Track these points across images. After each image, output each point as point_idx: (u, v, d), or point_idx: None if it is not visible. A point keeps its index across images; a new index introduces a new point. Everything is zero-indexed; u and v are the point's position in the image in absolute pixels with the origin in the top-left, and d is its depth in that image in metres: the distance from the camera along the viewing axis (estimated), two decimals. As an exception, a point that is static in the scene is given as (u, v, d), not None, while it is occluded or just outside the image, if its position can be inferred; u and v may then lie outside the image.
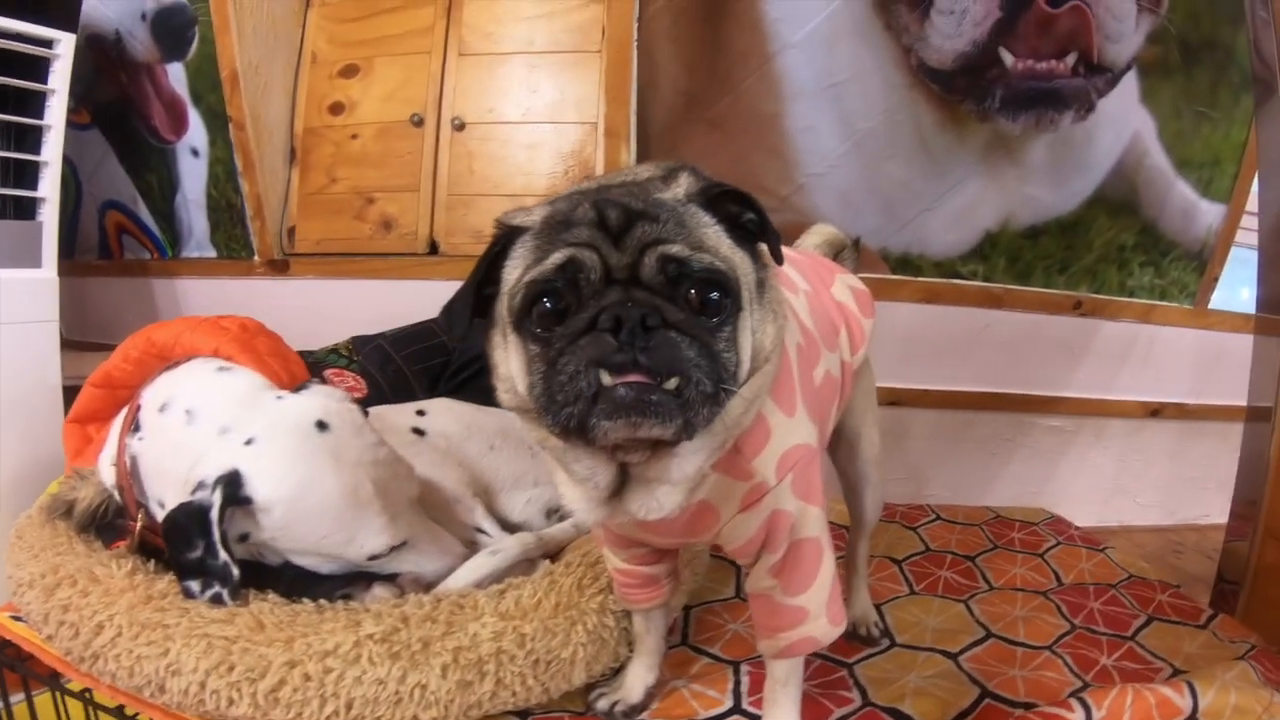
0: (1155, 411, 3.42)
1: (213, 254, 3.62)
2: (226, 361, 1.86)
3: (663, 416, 1.00)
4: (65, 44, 3.04)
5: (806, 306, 1.56)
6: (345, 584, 1.75)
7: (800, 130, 3.00)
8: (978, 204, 3.10)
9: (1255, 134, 2.94)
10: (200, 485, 1.54)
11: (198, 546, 1.53)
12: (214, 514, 1.51)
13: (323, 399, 1.71)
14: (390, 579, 1.77)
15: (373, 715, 1.43)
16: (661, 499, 1.19)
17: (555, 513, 2.07)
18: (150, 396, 1.78)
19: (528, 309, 1.05)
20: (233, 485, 1.55)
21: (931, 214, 3.08)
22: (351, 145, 3.38)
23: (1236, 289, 3.39)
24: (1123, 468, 3.49)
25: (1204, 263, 3.32)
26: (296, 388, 1.77)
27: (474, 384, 2.25)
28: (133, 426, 1.77)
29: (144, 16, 3.44)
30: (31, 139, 2.98)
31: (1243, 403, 2.29)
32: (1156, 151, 3.17)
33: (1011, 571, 2.44)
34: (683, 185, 1.19)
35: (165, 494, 1.67)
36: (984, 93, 2.98)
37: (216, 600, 1.55)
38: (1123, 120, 3.11)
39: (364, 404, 2.05)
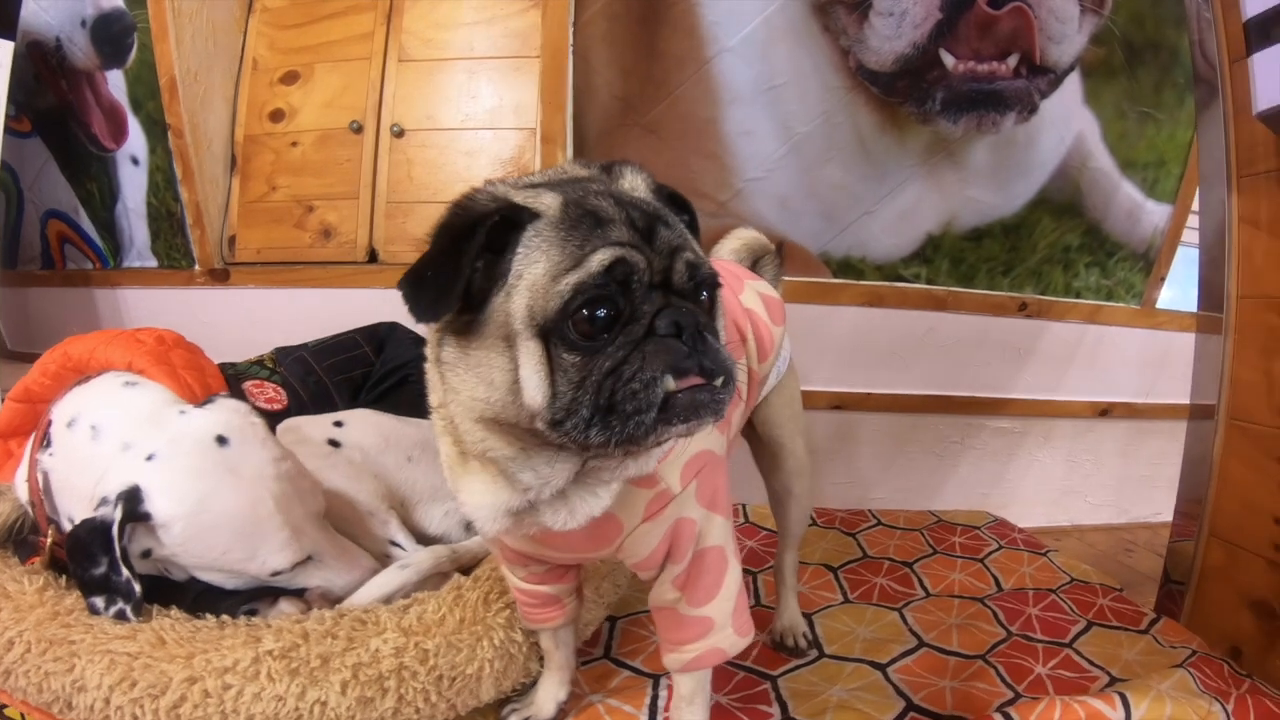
0: (1104, 411, 3.41)
1: (154, 263, 3.55)
2: (135, 376, 1.83)
3: (716, 414, 1.02)
4: (4, 51, 3.00)
5: None
6: (251, 599, 1.72)
7: (738, 134, 2.97)
8: (919, 207, 3.08)
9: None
10: (103, 501, 1.53)
11: (101, 563, 1.51)
12: (115, 530, 1.49)
13: (224, 413, 1.68)
14: (299, 594, 1.74)
15: (273, 731, 1.41)
16: (593, 503, 1.17)
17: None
18: (59, 412, 1.77)
19: (569, 315, 1.00)
20: (133, 501, 1.53)
21: (872, 217, 3.06)
22: (292, 153, 3.33)
23: (1185, 289, 3.36)
24: (1073, 468, 3.47)
25: (1151, 263, 3.31)
26: (202, 402, 1.74)
27: (396, 394, 2.22)
28: (44, 442, 1.75)
29: (84, 23, 3.39)
30: None
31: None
32: (1101, 153, 3.16)
33: (950, 577, 2.42)
34: (641, 183, 1.18)
35: (74, 510, 1.65)
36: (924, 95, 2.96)
37: (120, 617, 1.54)
38: (1066, 122, 3.10)
39: (284, 416, 2.04)
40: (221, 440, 1.62)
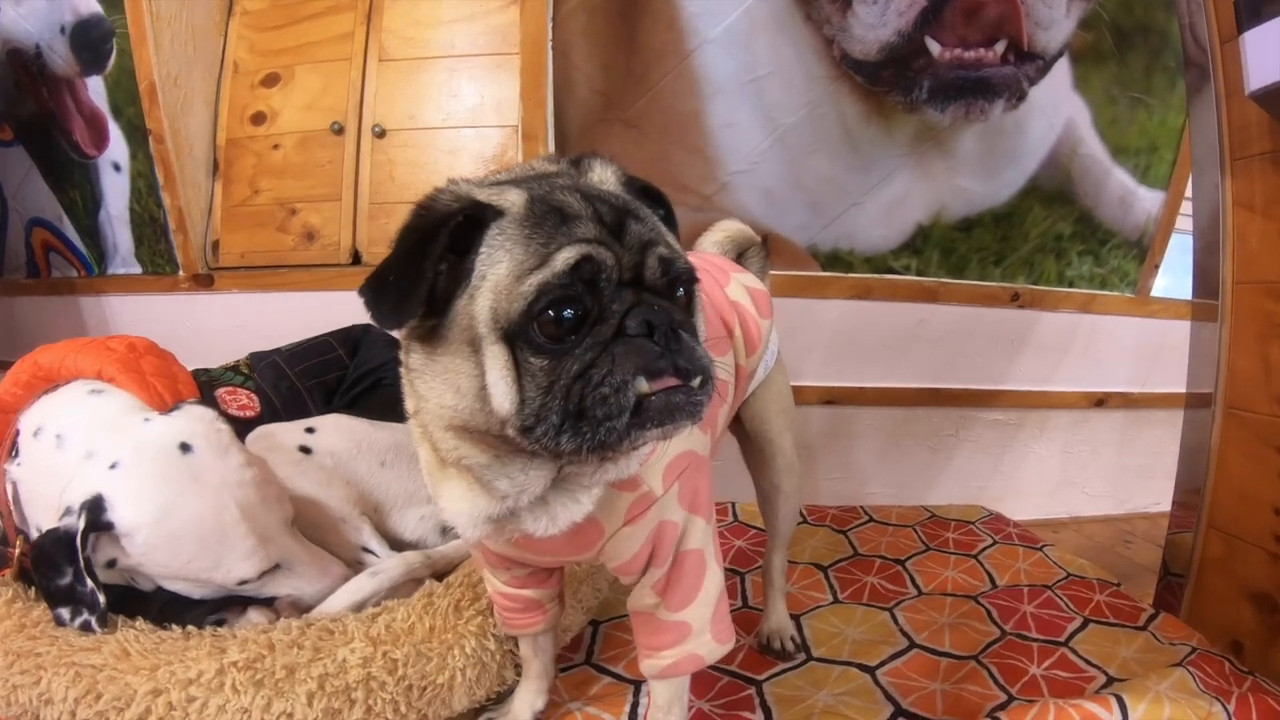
0: (1100, 401, 3.36)
1: (138, 270, 3.52)
2: (103, 384, 1.79)
3: (694, 416, 0.98)
4: None
5: None
6: (219, 609, 1.68)
7: (721, 127, 2.91)
8: (908, 197, 3.02)
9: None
10: (67, 511, 1.49)
11: (66, 573, 1.49)
12: (79, 540, 1.46)
13: (189, 421, 1.64)
14: (268, 603, 1.70)
15: (238, 743, 1.38)
16: (574, 509, 1.13)
17: (451, 530, 1.97)
18: (26, 422, 1.76)
19: (533, 317, 0.95)
20: (95, 510, 1.50)
21: (860, 209, 3.00)
22: (273, 156, 3.29)
23: (1180, 276, 3.29)
24: (1069, 459, 3.42)
25: (1144, 250, 3.25)
26: (168, 410, 1.69)
27: (369, 398, 2.17)
28: (11, 452, 1.73)
29: (63, 29, 3.34)
30: None
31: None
32: (1091, 139, 3.10)
33: (943, 575, 2.36)
34: (611, 175, 1.14)
35: (42, 520, 1.62)
36: (911, 83, 2.90)
37: (86, 628, 1.51)
38: (1055, 108, 3.04)
39: (257, 423, 2.00)
40: (185, 448, 1.58)
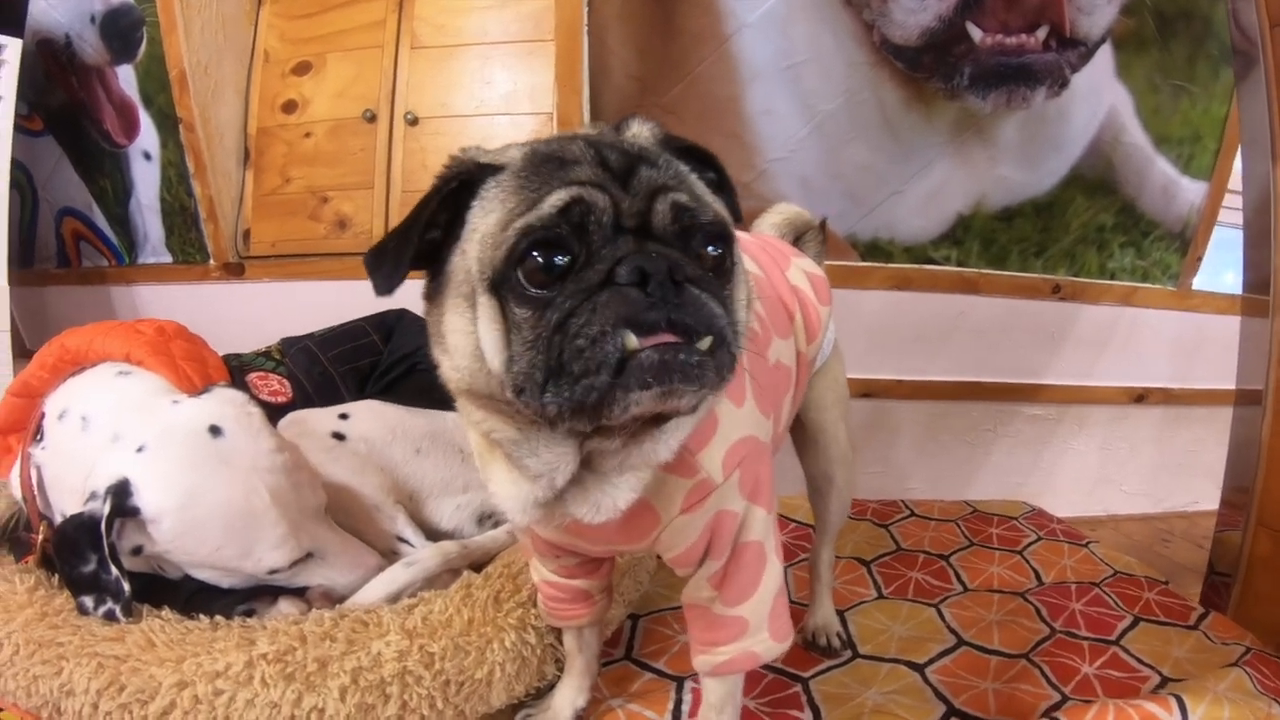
0: (1140, 397, 3.25)
1: (169, 259, 3.47)
2: (130, 366, 1.73)
3: (698, 381, 0.86)
4: (11, 49, 2.97)
5: (754, 289, 1.40)
6: (248, 599, 1.62)
7: (759, 114, 2.82)
8: (948, 186, 2.91)
9: (1237, 108, 2.80)
10: (92, 496, 1.43)
11: (90, 560, 1.42)
12: (103, 526, 1.40)
13: (219, 403, 1.56)
14: (299, 593, 1.62)
15: (266, 740, 1.31)
16: (615, 495, 1.04)
17: (488, 519, 1.90)
18: (51, 404, 1.71)
19: (516, 262, 0.88)
20: (121, 495, 1.43)
21: (900, 198, 2.90)
22: (305, 144, 3.23)
23: (1220, 271, 3.23)
24: (1107, 456, 3.31)
25: (1186, 242, 3.14)
26: (198, 392, 1.62)
27: (404, 384, 2.09)
28: (36, 436, 1.68)
29: (93, 19, 3.30)
30: None
31: (1229, 385, 2.16)
32: (1134, 128, 2.99)
33: (988, 571, 2.28)
34: (647, 132, 1.05)
35: (66, 505, 1.56)
36: (951, 70, 2.79)
37: (109, 617, 1.45)
38: (1097, 96, 2.92)
39: (289, 408, 1.94)
40: (215, 431, 1.51)
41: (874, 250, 2.93)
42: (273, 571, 1.53)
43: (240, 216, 3.34)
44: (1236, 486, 2.14)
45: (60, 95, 3.49)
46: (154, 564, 1.55)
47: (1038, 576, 2.25)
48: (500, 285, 0.89)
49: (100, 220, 3.58)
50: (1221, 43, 2.94)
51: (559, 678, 1.54)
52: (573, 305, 0.85)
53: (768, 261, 1.54)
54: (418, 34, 3.12)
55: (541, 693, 1.55)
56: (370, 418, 1.90)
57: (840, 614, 1.95)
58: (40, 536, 1.63)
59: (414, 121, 3.10)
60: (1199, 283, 3.23)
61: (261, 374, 2.02)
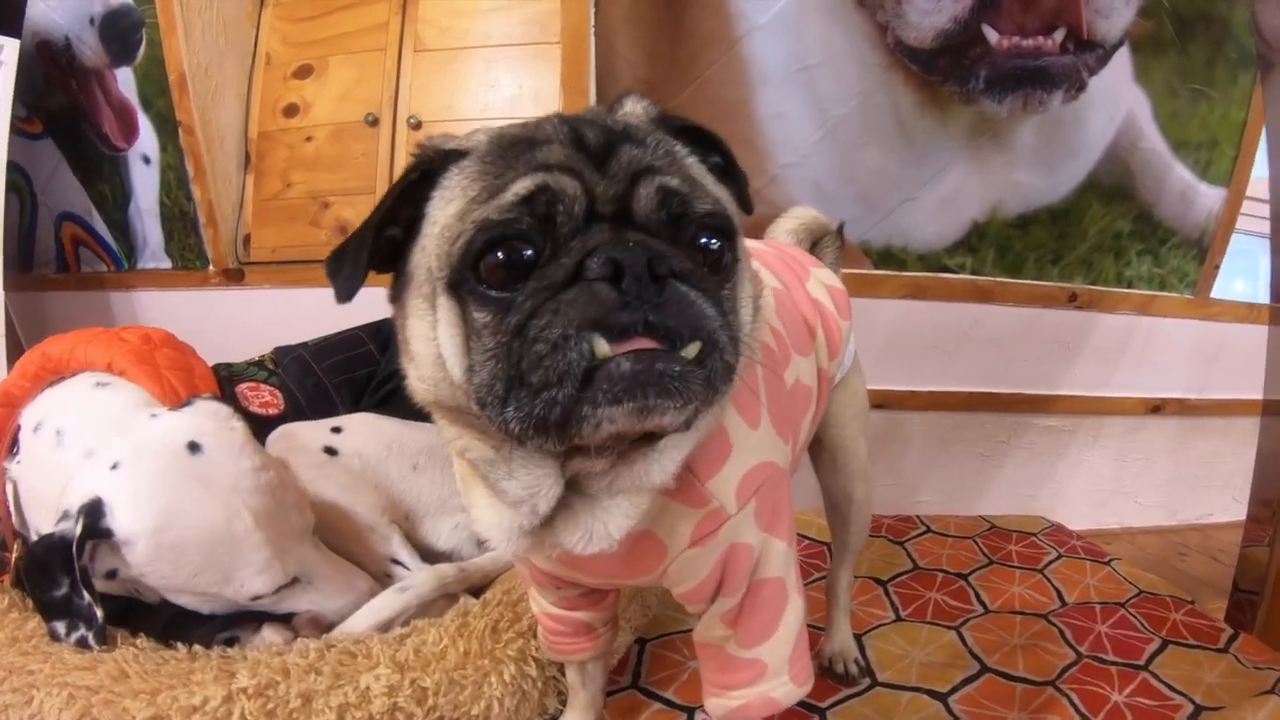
0: (1156, 408, 3.12)
1: (168, 264, 3.36)
2: (110, 376, 1.61)
3: (680, 396, 0.72)
4: (9, 50, 2.91)
5: (773, 304, 1.25)
6: (231, 625, 1.50)
7: (770, 118, 2.69)
8: (963, 192, 2.79)
9: (1255, 113, 2.78)
10: (64, 515, 1.32)
11: (61, 584, 1.32)
12: (75, 548, 1.29)
13: (199, 417, 1.44)
14: (285, 619, 1.50)
15: (245, 782, 1.21)
16: (607, 522, 0.90)
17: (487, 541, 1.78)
18: (28, 416, 1.61)
19: (474, 259, 0.76)
20: (93, 515, 1.33)
21: (914, 204, 2.77)
22: (306, 148, 3.12)
23: (1229, 279, 3.12)
24: (1122, 468, 3.18)
25: (1204, 250, 3.01)
26: (179, 405, 1.50)
27: (401, 396, 1.96)
28: (12, 449, 1.56)
29: (92, 20, 3.19)
30: None
31: (1246, 395, 2.10)
32: (1152, 133, 2.86)
33: (1009, 591, 2.16)
34: (640, 110, 0.91)
35: (42, 523, 1.46)
36: (967, 73, 2.67)
37: (82, 644, 1.35)
38: (1115, 100, 2.80)
39: (281, 420, 1.82)
40: (194, 447, 1.39)
41: (887, 258, 2.80)
42: (256, 598, 1.42)
43: (240, 221, 3.22)
44: (1263, 500, 2.04)
45: (60, 98, 3.37)
46: (130, 588, 1.43)
47: (1060, 597, 2.13)
48: (459, 285, 0.78)
49: (99, 225, 3.47)
50: (1240, 46, 2.82)
51: (561, 712, 1.42)
52: (534, 306, 0.72)
53: (787, 274, 1.41)
54: (421, 37, 3.01)
55: (543, 728, 1.42)
56: (365, 432, 1.79)
57: (858, 638, 1.83)
58: (15, 555, 1.53)
59: (417, 126, 2.98)
60: (1216, 290, 3.10)
61: (253, 384, 1.91)
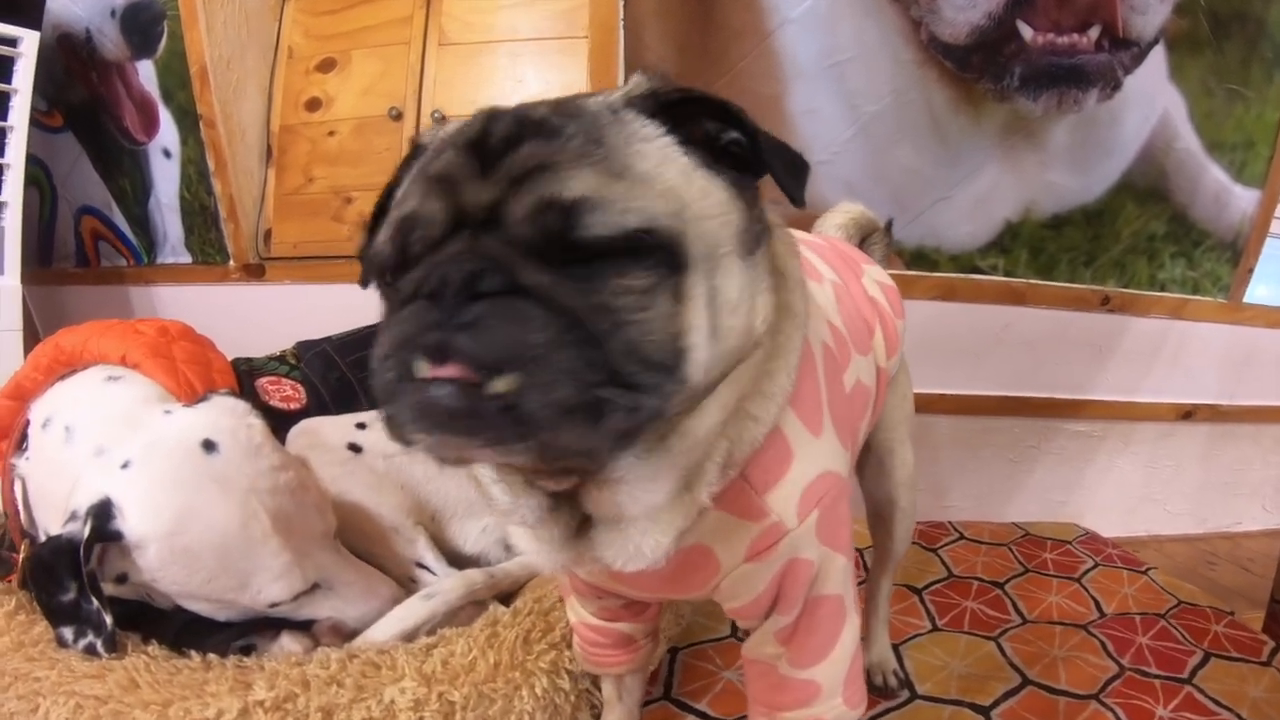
0: (1187, 414, 3.02)
1: (188, 259, 3.30)
2: (123, 370, 1.53)
3: (488, 435, 0.61)
4: (29, 42, 2.86)
5: (834, 300, 1.16)
6: (247, 632, 1.40)
7: (802, 114, 2.60)
8: (996, 192, 2.69)
9: None
10: (72, 516, 1.23)
11: (69, 588, 1.22)
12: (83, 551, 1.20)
13: (215, 414, 1.35)
14: (305, 626, 1.41)
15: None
16: (640, 542, 0.79)
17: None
18: (37, 411, 1.52)
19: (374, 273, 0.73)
20: (102, 517, 1.23)
21: (946, 203, 2.67)
22: (329, 142, 3.04)
23: (1267, 283, 3.03)
24: (1152, 474, 3.08)
25: (1238, 253, 2.91)
26: (194, 401, 1.41)
27: (428, 393, 1.88)
28: (20, 445, 1.48)
29: (113, 13, 3.13)
30: None
31: (1278, 403, 1.95)
32: (1187, 133, 2.75)
33: (1047, 600, 2.07)
34: (631, 84, 0.78)
35: (50, 523, 1.37)
36: (1001, 70, 2.57)
37: (90, 651, 1.26)
38: (1150, 99, 2.69)
39: (303, 416, 1.73)
40: (209, 445, 1.29)
41: (919, 258, 2.71)
42: (274, 604, 1.32)
43: (261, 216, 3.15)
44: (1301, 509, 1.95)
45: (80, 91, 3.32)
46: (141, 592, 1.34)
47: (1099, 607, 2.05)
48: (383, 293, 0.73)
49: (119, 219, 3.41)
50: (1276, 45, 2.73)
51: (597, 728, 1.32)
52: (387, 319, 0.67)
53: (844, 269, 1.32)
54: (446, 30, 2.93)
55: (574, 744, 1.32)
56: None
57: (895, 649, 1.74)
58: (22, 555, 1.44)
59: (441, 120, 2.88)
60: (1250, 295, 3.01)
61: (273, 378, 1.82)
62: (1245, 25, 2.73)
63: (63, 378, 1.54)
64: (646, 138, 0.73)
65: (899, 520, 1.54)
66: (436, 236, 0.67)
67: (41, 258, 3.57)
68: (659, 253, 0.67)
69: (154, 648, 1.31)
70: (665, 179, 0.71)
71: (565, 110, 0.73)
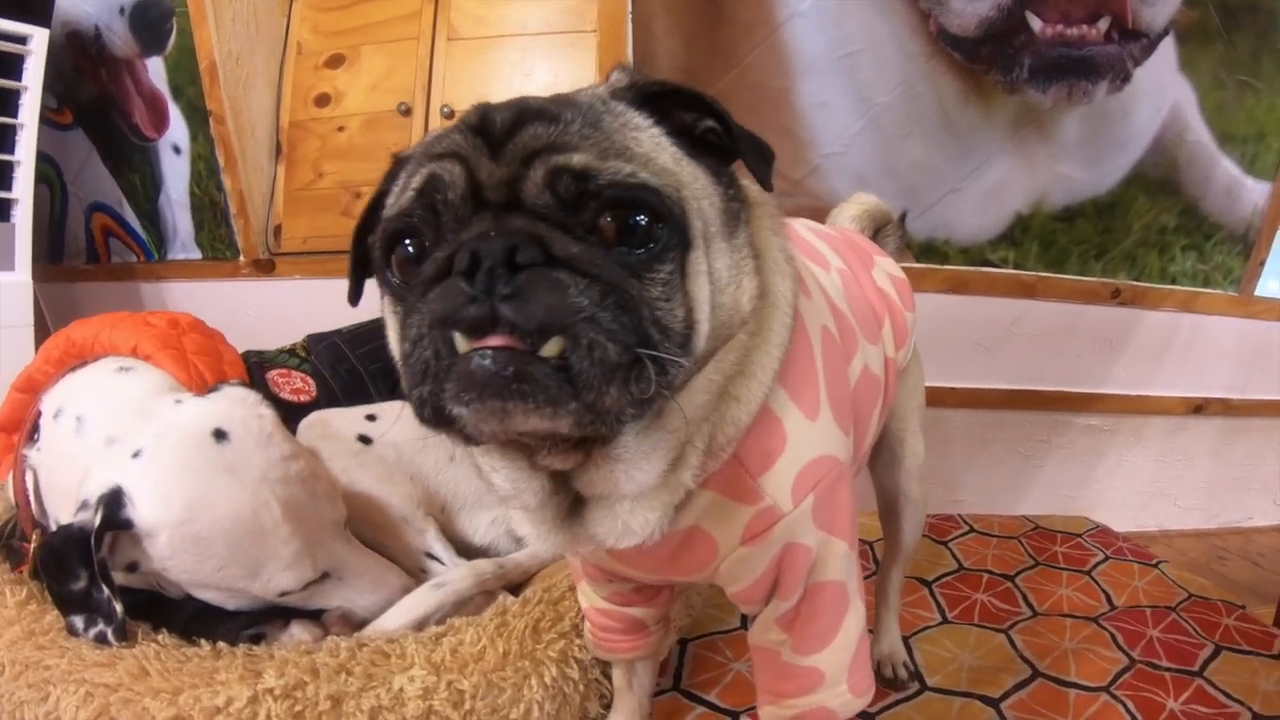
0: (1198, 408, 3.00)
1: (198, 255, 3.31)
2: (134, 361, 1.53)
3: (539, 397, 0.63)
4: (39, 40, 2.88)
5: (841, 287, 1.17)
6: (257, 621, 1.41)
7: (812, 106, 2.59)
8: (1007, 184, 2.68)
9: None
10: (83, 505, 1.24)
11: (80, 576, 1.23)
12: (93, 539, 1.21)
13: (226, 404, 1.36)
14: (315, 615, 1.41)
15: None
16: (629, 519, 0.81)
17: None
18: (48, 402, 1.53)
19: (387, 254, 0.75)
20: (113, 506, 1.24)
21: (957, 196, 2.67)
22: (338, 138, 3.05)
23: (1265, 277, 2.99)
24: (1163, 469, 3.07)
25: (1249, 246, 2.89)
26: (205, 391, 1.41)
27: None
28: (31, 436, 1.48)
29: (122, 10, 3.14)
30: (6, 140, 2.80)
31: None
32: (1198, 125, 2.74)
33: (1057, 593, 2.07)
34: (612, 79, 0.84)
35: (61, 512, 1.38)
36: (1011, 62, 2.56)
37: (100, 640, 1.27)
38: (1161, 91, 2.68)
39: (313, 408, 1.74)
40: (220, 435, 1.30)
41: (930, 251, 2.70)
42: (284, 593, 1.33)
43: (271, 212, 3.17)
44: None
45: (90, 88, 3.33)
46: (152, 581, 1.35)
47: (1109, 600, 2.04)
48: (384, 281, 0.77)
49: (130, 215, 3.42)
50: (1287, 36, 2.70)
51: (602, 716, 1.33)
52: (414, 300, 0.68)
53: (854, 259, 1.33)
54: (455, 25, 2.94)
55: (585, 734, 1.32)
56: (401, 420, 1.68)
57: (905, 641, 1.73)
58: (33, 545, 1.43)
59: (450, 115, 2.89)
60: (1261, 288, 2.98)
61: (284, 371, 1.82)
62: (1256, 16, 2.71)
63: (73, 369, 1.54)
64: (638, 126, 0.78)
65: (909, 511, 1.55)
66: (457, 202, 0.69)
67: (52, 254, 3.59)
68: (668, 229, 0.71)
69: (164, 636, 1.31)
70: (660, 161, 0.75)
71: (559, 101, 0.77)
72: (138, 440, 1.29)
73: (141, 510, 1.23)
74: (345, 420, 1.67)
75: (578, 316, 0.63)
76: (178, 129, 3.20)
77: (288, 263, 3.13)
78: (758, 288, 0.83)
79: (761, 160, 0.82)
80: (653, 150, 0.76)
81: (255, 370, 1.78)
